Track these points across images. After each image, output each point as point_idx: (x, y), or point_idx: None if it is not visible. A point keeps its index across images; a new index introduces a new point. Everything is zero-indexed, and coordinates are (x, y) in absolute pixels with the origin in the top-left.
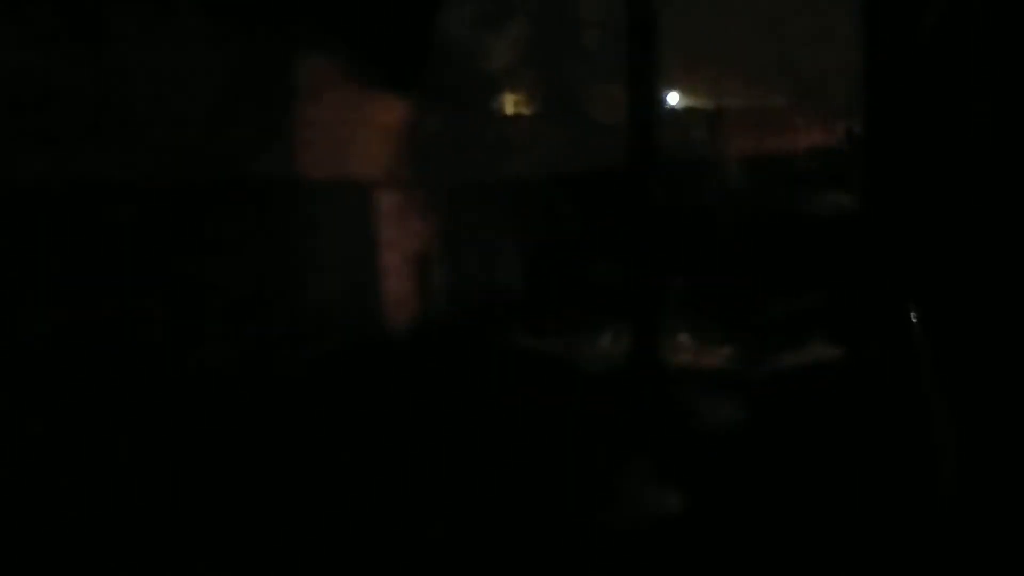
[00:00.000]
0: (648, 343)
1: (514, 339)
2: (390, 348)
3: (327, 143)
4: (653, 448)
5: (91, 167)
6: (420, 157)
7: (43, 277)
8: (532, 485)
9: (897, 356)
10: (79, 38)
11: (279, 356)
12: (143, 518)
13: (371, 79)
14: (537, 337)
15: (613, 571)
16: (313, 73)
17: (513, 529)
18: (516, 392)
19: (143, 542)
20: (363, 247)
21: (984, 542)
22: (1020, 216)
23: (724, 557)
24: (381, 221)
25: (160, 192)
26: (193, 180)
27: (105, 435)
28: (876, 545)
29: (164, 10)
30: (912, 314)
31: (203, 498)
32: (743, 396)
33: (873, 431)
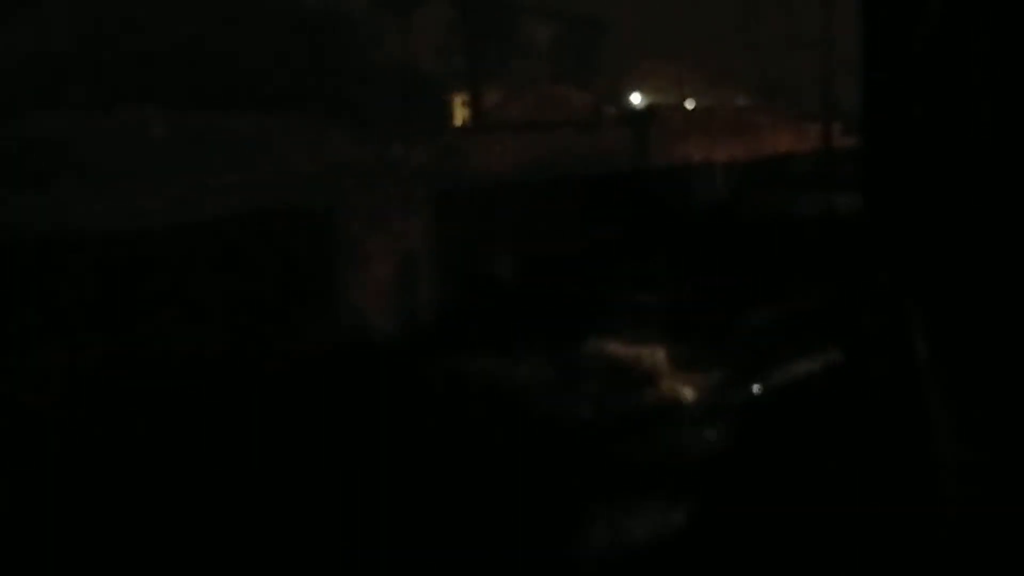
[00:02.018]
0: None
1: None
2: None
3: None
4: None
5: None
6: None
7: None
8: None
9: (895, 359)
10: None
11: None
12: None
13: None
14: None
15: None
16: None
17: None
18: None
19: None
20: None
21: (985, 545)
22: (1020, 216)
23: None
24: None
25: None
26: None
27: None
28: (878, 552)
29: None
30: (911, 316)
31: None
32: (735, 415)
33: (871, 437)
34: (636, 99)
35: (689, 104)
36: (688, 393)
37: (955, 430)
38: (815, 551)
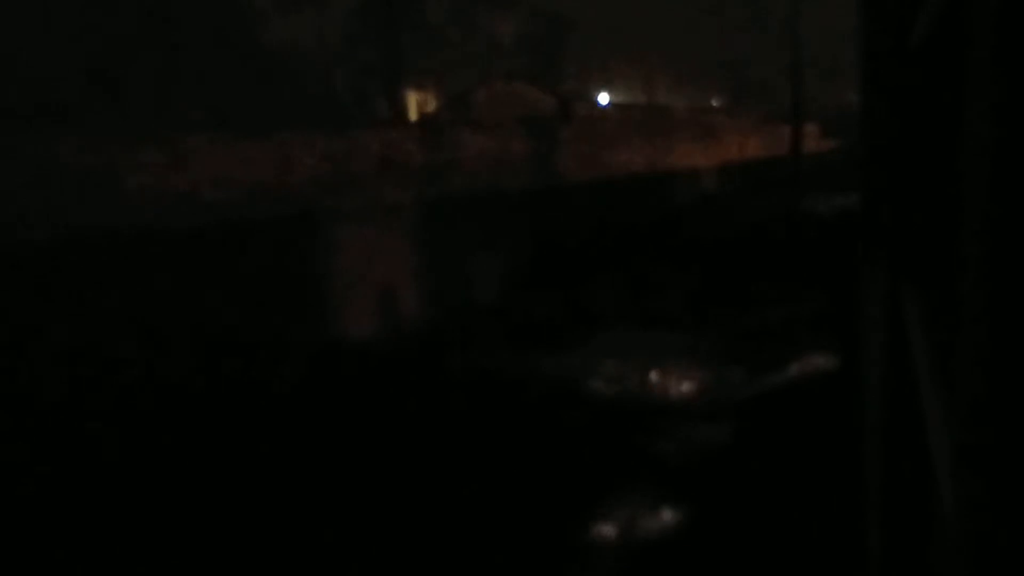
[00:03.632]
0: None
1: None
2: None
3: None
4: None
5: None
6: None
7: None
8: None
9: (893, 361)
10: None
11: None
12: None
13: None
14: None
15: None
16: None
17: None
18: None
19: None
20: None
21: (984, 545)
22: (1019, 215)
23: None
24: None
25: None
26: None
27: None
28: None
29: None
30: (908, 317)
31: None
32: (735, 414)
33: (867, 439)
34: (604, 98)
35: (665, 104)
36: (682, 393)
37: (954, 429)
38: (815, 550)
